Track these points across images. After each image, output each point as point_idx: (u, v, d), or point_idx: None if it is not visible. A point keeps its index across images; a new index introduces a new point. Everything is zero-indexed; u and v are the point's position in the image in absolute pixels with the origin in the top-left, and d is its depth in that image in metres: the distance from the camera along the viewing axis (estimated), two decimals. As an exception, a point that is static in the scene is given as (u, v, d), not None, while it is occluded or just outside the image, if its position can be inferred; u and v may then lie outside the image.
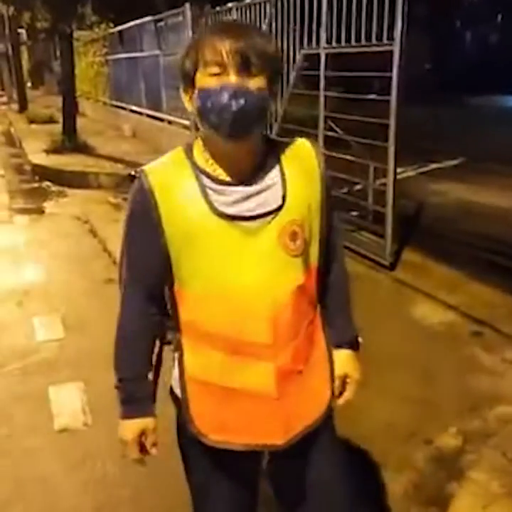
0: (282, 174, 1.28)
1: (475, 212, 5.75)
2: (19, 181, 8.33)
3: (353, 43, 4.46)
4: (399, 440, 2.52)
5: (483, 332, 3.48)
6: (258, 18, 5.86)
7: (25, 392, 3.00)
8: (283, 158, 1.29)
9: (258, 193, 1.24)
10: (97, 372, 3.12)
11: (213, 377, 1.31)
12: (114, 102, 12.79)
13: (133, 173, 1.29)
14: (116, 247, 5.09)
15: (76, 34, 10.32)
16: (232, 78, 1.15)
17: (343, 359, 1.49)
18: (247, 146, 1.23)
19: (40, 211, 6.75)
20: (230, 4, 6.53)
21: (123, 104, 11.95)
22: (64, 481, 2.38)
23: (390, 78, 4.10)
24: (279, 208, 1.25)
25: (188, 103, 1.24)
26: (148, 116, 10.27)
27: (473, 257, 4.50)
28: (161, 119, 9.57)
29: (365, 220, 4.86)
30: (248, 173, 1.25)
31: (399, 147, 4.21)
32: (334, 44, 4.69)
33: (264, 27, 5.64)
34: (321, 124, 5.00)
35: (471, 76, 17.34)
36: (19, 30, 18.24)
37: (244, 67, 1.15)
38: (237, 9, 6.37)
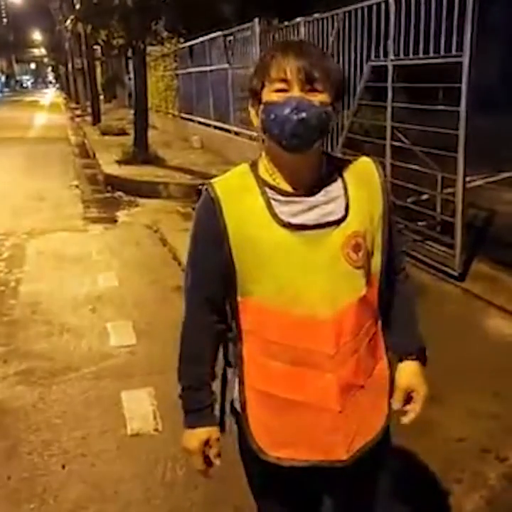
0: (344, 187, 1.31)
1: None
2: (93, 191, 8.68)
3: (421, 54, 4.43)
4: (471, 456, 2.48)
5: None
6: (325, 32, 5.91)
7: (99, 396, 3.11)
8: (345, 172, 1.33)
9: (321, 204, 1.28)
10: (166, 378, 3.22)
11: (275, 388, 1.31)
12: (183, 115, 13.14)
13: (200, 186, 1.38)
14: (184, 255, 5.26)
15: (148, 49, 10.68)
16: (296, 93, 1.21)
17: (408, 372, 1.45)
18: (308, 158, 1.28)
19: (113, 220, 7.01)
20: (298, 19, 6.61)
21: (192, 117, 12.26)
22: (136, 485, 2.44)
23: (458, 88, 4.05)
24: (342, 219, 1.28)
25: (255, 118, 1.30)
26: (216, 127, 10.49)
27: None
28: (229, 131, 9.75)
29: (433, 230, 4.80)
30: (311, 184, 1.29)
31: (467, 157, 4.15)
32: (402, 56, 4.68)
33: (331, 40, 5.69)
34: (389, 135, 4.98)
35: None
36: (94, 47, 19.06)
37: (308, 83, 1.21)
38: (304, 24, 6.44)
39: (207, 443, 1.39)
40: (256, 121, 1.30)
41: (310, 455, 1.33)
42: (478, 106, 4.12)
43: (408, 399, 1.45)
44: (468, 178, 4.41)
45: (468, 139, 4.11)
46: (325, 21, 5.94)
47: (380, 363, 1.41)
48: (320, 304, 1.27)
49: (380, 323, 1.41)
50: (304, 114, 1.19)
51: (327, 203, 1.28)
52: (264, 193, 1.28)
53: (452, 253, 4.39)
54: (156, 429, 2.78)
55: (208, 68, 10.75)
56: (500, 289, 4.17)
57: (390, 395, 1.43)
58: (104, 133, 14.64)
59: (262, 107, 1.25)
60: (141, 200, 7.79)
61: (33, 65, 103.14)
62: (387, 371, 1.42)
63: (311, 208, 1.27)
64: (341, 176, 1.33)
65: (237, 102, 9.27)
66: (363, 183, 1.34)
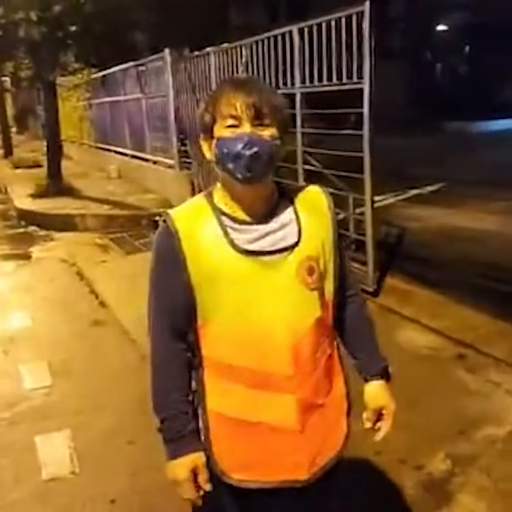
0: (296, 213, 1.39)
1: (456, 236, 5.86)
2: (4, 227, 8.34)
3: (324, 82, 4.60)
4: (389, 467, 2.54)
5: (467, 354, 3.54)
6: (235, 62, 6.03)
7: (12, 442, 2.97)
8: (296, 200, 1.41)
9: (275, 230, 1.35)
10: (83, 418, 3.13)
11: (235, 411, 1.35)
12: (99, 145, 12.94)
13: (157, 217, 1.41)
14: (102, 288, 5.18)
15: (59, 80, 10.48)
16: (247, 128, 1.28)
17: (375, 392, 1.51)
18: (261, 189, 1.35)
19: (27, 256, 6.75)
20: (208, 49, 6.71)
21: (108, 146, 12.10)
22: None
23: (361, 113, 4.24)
24: (296, 244, 1.35)
25: (208, 151, 1.37)
26: (133, 157, 10.40)
27: (455, 281, 4.58)
28: (146, 160, 9.70)
29: (348, 249, 4.94)
30: (265, 213, 1.36)
31: (374, 177, 4.33)
32: (308, 83, 4.84)
33: (241, 69, 5.81)
34: (300, 159, 5.12)
35: (446, 104, 17.82)
36: (3, 78, 18.48)
37: (257, 119, 1.28)
38: (214, 53, 6.55)
39: (194, 469, 1.37)
40: (209, 155, 1.37)
41: (272, 476, 1.37)
42: (385, 127, 4.31)
43: (378, 416, 1.50)
44: (378, 197, 4.61)
45: (373, 160, 4.29)
46: (234, 51, 6.07)
47: (338, 381, 1.46)
48: (277, 327, 1.32)
49: (335, 342, 1.48)
50: (255, 149, 1.27)
51: (280, 229, 1.36)
52: (220, 222, 1.34)
53: (365, 270, 4.54)
54: (72, 472, 2.68)
55: (121, 98, 10.68)
56: (412, 301, 4.35)
57: (348, 413, 1.48)
58: (16, 166, 14.12)
59: (214, 141, 1.32)
60: (56, 234, 7.54)
61: None
62: (345, 389, 1.48)
63: (265, 235, 1.34)
64: (292, 203, 1.40)
65: (152, 131, 9.24)
66: (313, 210, 1.41)
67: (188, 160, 7.94)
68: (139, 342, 3.97)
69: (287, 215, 1.38)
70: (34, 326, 4.52)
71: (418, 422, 2.82)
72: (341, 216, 5.31)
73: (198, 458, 1.38)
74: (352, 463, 2.45)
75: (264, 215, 1.36)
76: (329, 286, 1.41)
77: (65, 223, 7.80)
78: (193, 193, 7.49)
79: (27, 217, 8.40)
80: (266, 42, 5.39)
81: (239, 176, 1.29)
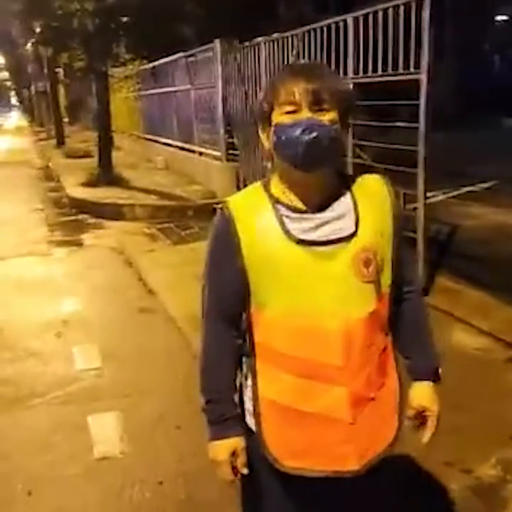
0: (354, 203, 1.35)
1: (508, 234, 5.69)
2: (57, 215, 8.57)
3: (379, 72, 4.53)
4: (434, 468, 2.49)
5: (517, 357, 3.43)
6: (286, 52, 6.00)
7: (65, 420, 3.06)
8: (354, 189, 1.38)
9: (332, 220, 1.32)
10: (133, 400, 3.20)
11: (287, 400, 1.35)
12: (148, 136, 13.13)
13: (215, 205, 1.42)
14: (150, 276, 5.27)
15: (110, 71, 10.67)
16: (305, 114, 1.25)
17: (421, 392, 1.48)
18: (320, 176, 1.32)
19: (78, 243, 6.93)
20: (258, 39, 6.70)
21: (156, 137, 12.27)
22: (103, 509, 2.41)
23: (419, 105, 4.15)
24: (353, 235, 1.32)
25: (266, 140, 1.35)
26: (180, 148, 10.50)
27: (508, 281, 4.45)
28: (193, 151, 9.78)
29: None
30: (322, 202, 1.33)
31: (428, 172, 4.24)
32: (361, 74, 4.78)
33: (292, 60, 5.78)
34: (350, 152, 5.06)
35: (503, 98, 17.22)
36: (57, 70, 18.97)
37: (316, 104, 1.25)
38: (265, 44, 6.53)
39: (233, 453, 1.40)
40: (267, 145, 1.35)
41: (323, 465, 1.37)
42: (438, 122, 4.22)
43: (422, 418, 1.48)
44: (429, 194, 4.50)
45: (428, 155, 4.20)
46: (285, 41, 6.04)
47: (390, 376, 1.44)
48: (330, 318, 1.31)
49: (390, 337, 1.44)
50: (314, 134, 1.24)
51: (337, 219, 1.33)
52: (276, 211, 1.33)
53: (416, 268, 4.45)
54: (122, 453, 2.74)
55: (170, 89, 10.80)
56: (462, 301, 4.25)
57: (401, 410, 1.45)
58: (68, 156, 14.51)
59: (272, 128, 1.30)
60: (106, 223, 7.72)
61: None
62: (397, 385, 1.45)
63: (321, 225, 1.32)
64: (351, 192, 1.37)
65: (200, 122, 9.31)
66: (373, 200, 1.38)
67: (234, 152, 7.97)
68: (184, 330, 4.03)
69: (345, 204, 1.35)
70: (85, 311, 4.63)
71: (466, 424, 2.76)
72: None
73: (237, 441, 1.40)
74: (397, 460, 2.44)
75: (322, 204, 1.33)
76: (386, 279, 1.38)
77: (114, 212, 7.97)
78: (238, 185, 7.52)
79: (78, 205, 8.61)
80: (319, 31, 5.34)
81: (297, 162, 1.27)
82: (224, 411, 1.41)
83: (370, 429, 1.38)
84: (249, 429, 1.42)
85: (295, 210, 1.33)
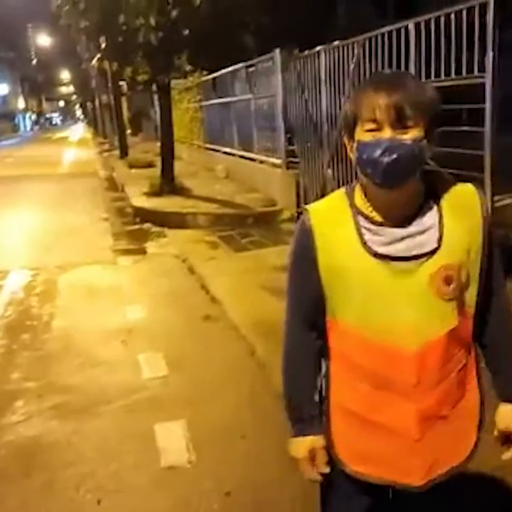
0: (440, 217, 1.30)
1: None
2: (122, 224, 8.81)
3: (442, 76, 4.44)
4: None
5: None
6: (346, 60, 5.97)
7: (132, 429, 3.10)
8: (443, 201, 1.32)
9: (413, 235, 1.29)
10: (199, 409, 3.23)
11: (357, 407, 1.36)
12: (208, 145, 13.34)
13: (300, 210, 1.44)
14: (213, 284, 5.32)
15: (172, 83, 10.92)
16: (386, 133, 1.22)
17: (506, 414, 1.43)
18: (403, 191, 1.28)
19: (142, 251, 7.09)
20: (318, 47, 6.69)
21: (216, 147, 12.44)
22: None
23: (482, 109, 4.05)
24: (434, 251, 1.28)
25: (350, 151, 1.34)
26: (241, 156, 10.61)
27: None
28: (253, 159, 9.86)
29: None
30: (405, 215, 1.30)
31: (495, 177, 4.12)
32: (424, 79, 4.68)
33: (352, 67, 5.74)
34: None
35: None
36: (120, 83, 19.57)
37: (399, 122, 1.22)
38: (324, 52, 6.52)
39: (312, 451, 1.44)
40: (351, 155, 1.34)
41: (386, 474, 1.37)
42: (502, 124, 4.10)
43: (508, 439, 1.44)
44: (496, 198, 4.36)
45: (494, 159, 4.08)
46: (345, 48, 6.01)
47: (470, 392, 1.39)
48: (405, 337, 1.28)
49: (473, 352, 1.40)
50: (394, 156, 1.21)
51: (419, 234, 1.29)
52: (356, 222, 1.32)
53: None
54: (190, 462, 2.76)
55: (231, 99, 10.94)
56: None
57: (479, 427, 1.41)
58: (131, 166, 14.93)
59: (354, 144, 1.29)
60: (169, 231, 7.88)
61: (61, 103, 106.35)
62: (477, 401, 1.40)
63: (401, 239, 1.29)
64: (438, 204, 1.31)
65: (260, 131, 9.38)
66: (461, 212, 1.31)
67: (294, 159, 7.97)
68: (248, 337, 4.04)
69: (430, 218, 1.29)
70: (150, 319, 4.73)
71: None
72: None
73: (316, 440, 1.43)
74: (472, 475, 2.36)
75: (404, 218, 1.29)
76: (472, 295, 1.32)
77: (177, 221, 8.13)
78: (298, 192, 7.51)
79: (142, 214, 8.83)
80: (379, 38, 5.29)
81: (377, 181, 1.26)
82: (304, 410, 1.45)
83: (440, 446, 1.35)
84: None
85: (375, 222, 1.31)
